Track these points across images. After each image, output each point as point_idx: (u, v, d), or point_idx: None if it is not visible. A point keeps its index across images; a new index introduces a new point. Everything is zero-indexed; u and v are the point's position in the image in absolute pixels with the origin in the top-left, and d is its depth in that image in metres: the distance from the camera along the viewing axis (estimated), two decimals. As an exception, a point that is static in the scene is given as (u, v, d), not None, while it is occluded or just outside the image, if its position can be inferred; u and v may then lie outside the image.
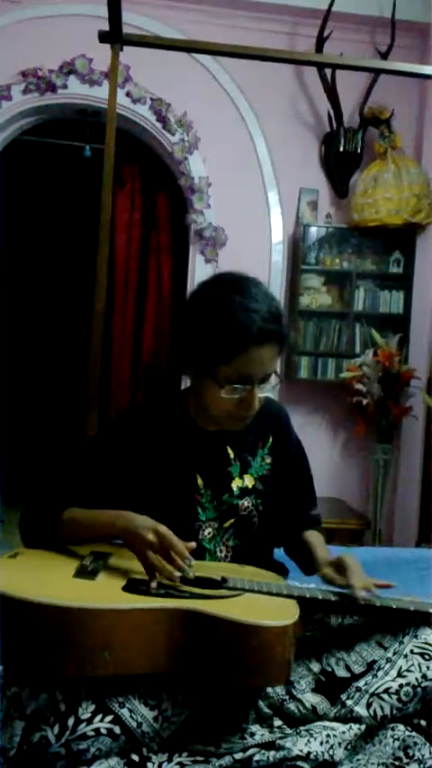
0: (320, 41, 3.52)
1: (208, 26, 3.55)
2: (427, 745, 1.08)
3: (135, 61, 3.38)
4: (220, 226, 3.68)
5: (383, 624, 1.20)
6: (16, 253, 5.52)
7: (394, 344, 3.57)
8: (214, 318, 1.16)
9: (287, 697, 1.14)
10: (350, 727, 1.09)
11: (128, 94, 3.54)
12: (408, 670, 1.12)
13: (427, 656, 1.12)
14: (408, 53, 3.69)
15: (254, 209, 3.76)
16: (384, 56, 3.58)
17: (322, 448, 3.84)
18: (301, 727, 1.08)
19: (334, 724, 1.09)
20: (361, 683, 1.12)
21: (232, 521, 1.29)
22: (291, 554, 1.44)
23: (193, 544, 1.14)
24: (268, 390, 1.22)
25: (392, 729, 1.09)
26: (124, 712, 1.00)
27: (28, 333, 5.72)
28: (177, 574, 1.09)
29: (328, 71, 3.60)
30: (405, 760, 1.07)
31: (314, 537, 1.40)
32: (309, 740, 1.04)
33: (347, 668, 1.15)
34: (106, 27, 2.22)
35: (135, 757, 1.00)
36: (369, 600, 1.16)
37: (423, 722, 1.10)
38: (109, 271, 2.31)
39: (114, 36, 2.16)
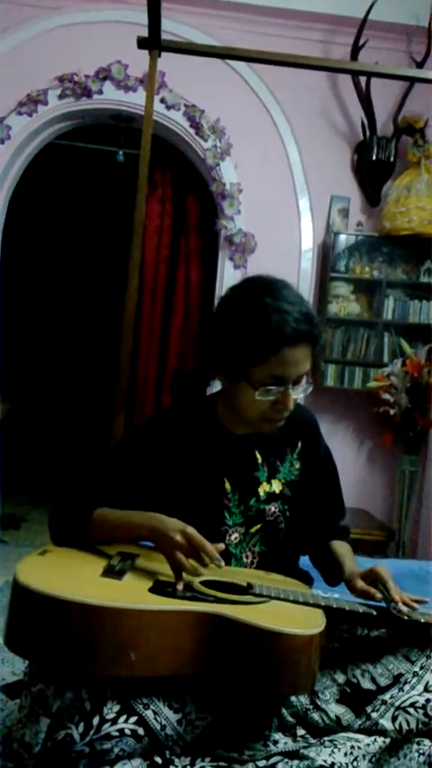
0: (355, 49, 3.52)
1: (242, 34, 3.56)
2: (453, 761, 1.06)
3: (170, 67, 3.40)
4: (250, 232, 3.68)
5: (410, 637, 1.18)
6: (47, 256, 5.60)
7: (423, 355, 3.53)
8: (248, 321, 1.16)
9: (311, 707, 1.13)
10: (375, 740, 1.08)
11: (162, 100, 3.57)
12: (435, 684, 1.10)
13: (455, 672, 1.10)
14: (444, 62, 3.66)
15: (284, 215, 3.75)
16: (420, 64, 3.56)
17: (347, 457, 3.81)
18: (325, 738, 1.08)
19: (358, 736, 1.08)
20: (387, 696, 1.11)
21: (259, 526, 1.28)
22: (316, 563, 1.43)
23: (222, 545, 1.14)
24: (301, 393, 1.22)
25: (418, 744, 1.08)
26: (148, 714, 1.00)
27: (56, 336, 5.79)
28: (205, 573, 1.09)
29: (362, 79, 3.59)
30: (430, 775, 1.05)
31: (342, 547, 1.38)
32: (333, 751, 1.03)
33: (373, 680, 1.14)
34: (142, 33, 2.24)
35: (158, 759, 1.00)
36: (411, 616, 1.13)
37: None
38: (138, 275, 2.33)
39: (153, 42, 2.18)
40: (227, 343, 1.19)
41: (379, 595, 1.17)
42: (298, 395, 1.21)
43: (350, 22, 3.54)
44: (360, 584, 1.21)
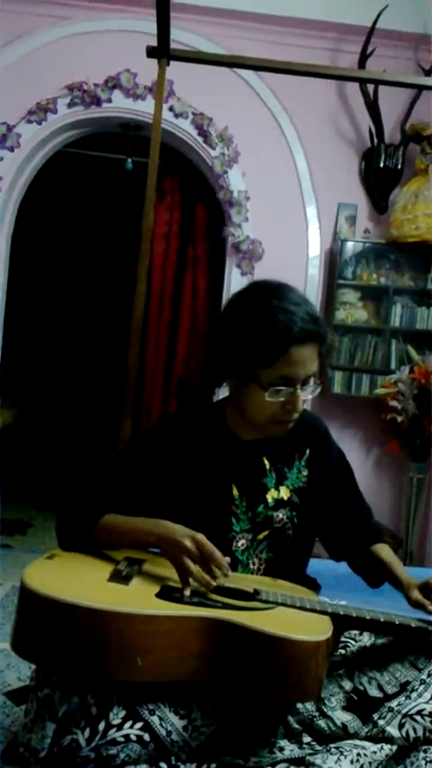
0: (363, 57, 3.54)
1: (250, 42, 3.57)
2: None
3: (178, 76, 3.42)
4: (258, 239, 3.69)
5: (417, 645, 1.18)
6: (56, 262, 5.63)
7: (431, 362, 3.52)
8: (255, 322, 1.17)
9: (317, 714, 1.12)
10: (381, 747, 1.07)
11: (171, 109, 3.59)
12: (442, 692, 1.10)
13: (462, 680, 1.10)
14: (451, 70, 3.67)
15: (291, 223, 3.76)
16: (428, 72, 3.58)
17: (354, 464, 3.66)
18: (332, 745, 1.07)
19: (365, 743, 1.08)
20: (394, 704, 1.10)
21: (266, 533, 1.28)
22: (356, 568, 1.41)
23: (229, 558, 1.13)
24: (309, 394, 1.22)
25: (425, 751, 1.08)
26: (154, 720, 1.00)
27: (64, 342, 5.81)
28: (214, 583, 1.09)
29: (370, 87, 3.60)
30: (437, 784, 1.05)
31: (386, 552, 1.37)
32: (339, 758, 1.03)
33: (380, 688, 1.13)
34: (151, 42, 2.26)
35: (164, 765, 1.00)
36: None
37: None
38: (146, 281, 2.35)
39: (162, 51, 2.20)
40: (236, 346, 1.20)
41: (431, 608, 1.16)
42: (307, 396, 1.22)
43: (358, 30, 3.55)
44: (415, 594, 1.21)
